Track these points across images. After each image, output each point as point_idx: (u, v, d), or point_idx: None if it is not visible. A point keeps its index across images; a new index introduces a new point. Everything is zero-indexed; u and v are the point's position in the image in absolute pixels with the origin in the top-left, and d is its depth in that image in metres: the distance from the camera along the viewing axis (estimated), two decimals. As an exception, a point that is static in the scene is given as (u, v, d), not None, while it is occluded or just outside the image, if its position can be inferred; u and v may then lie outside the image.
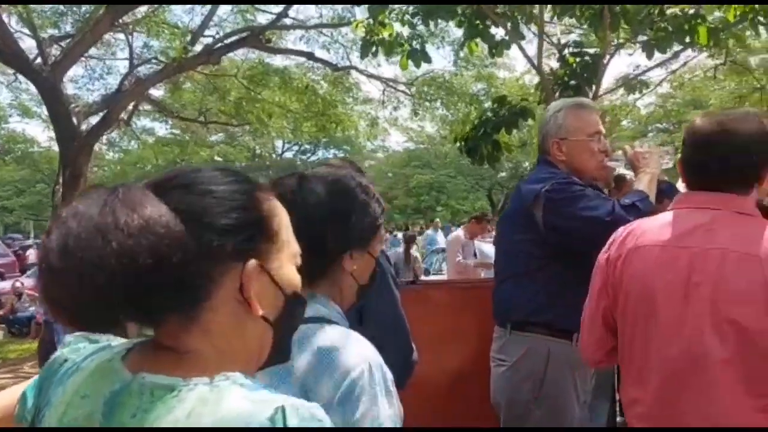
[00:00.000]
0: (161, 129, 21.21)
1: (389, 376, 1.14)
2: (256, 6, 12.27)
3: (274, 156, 23.89)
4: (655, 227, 1.60)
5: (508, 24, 5.81)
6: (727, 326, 1.42)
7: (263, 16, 12.70)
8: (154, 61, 12.75)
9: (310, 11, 13.28)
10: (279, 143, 23.74)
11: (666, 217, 1.61)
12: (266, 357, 0.85)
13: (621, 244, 1.65)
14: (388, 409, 1.10)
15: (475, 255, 7.53)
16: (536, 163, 2.47)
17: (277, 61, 14.58)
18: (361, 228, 1.27)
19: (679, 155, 1.74)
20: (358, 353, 1.12)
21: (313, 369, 1.10)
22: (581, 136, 2.29)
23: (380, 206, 1.33)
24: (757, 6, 5.45)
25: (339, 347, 1.12)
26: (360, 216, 1.27)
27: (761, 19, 5.58)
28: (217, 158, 22.54)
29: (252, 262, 0.77)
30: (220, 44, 11.76)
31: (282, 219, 0.85)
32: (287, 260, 0.84)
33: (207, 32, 12.63)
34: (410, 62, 6.42)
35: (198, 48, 11.84)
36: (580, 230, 2.05)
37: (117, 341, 0.87)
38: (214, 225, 0.75)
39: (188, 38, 11.63)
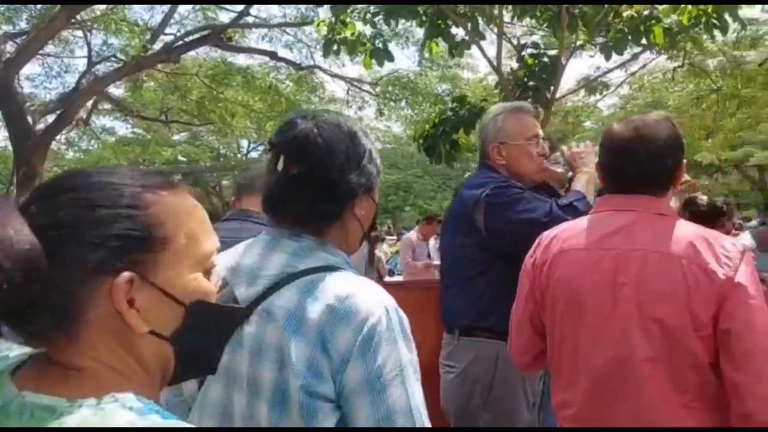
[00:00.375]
0: (122, 128, 20.79)
1: (405, 320, 1.12)
2: (218, 4, 12.10)
3: (239, 156, 23.58)
4: (579, 231, 1.63)
5: (468, 24, 5.83)
6: (652, 325, 1.45)
7: (225, 14, 12.55)
8: (113, 59, 12.47)
9: (272, 10, 13.18)
10: (244, 143, 23.45)
11: (588, 220, 1.65)
12: (174, 373, 0.79)
13: (546, 249, 1.67)
14: (408, 354, 1.09)
15: (429, 255, 7.52)
16: (477, 168, 2.48)
17: (240, 60, 14.42)
18: (370, 172, 1.25)
19: None
20: (374, 298, 1.09)
21: (329, 318, 1.06)
22: (520, 139, 2.30)
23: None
24: (709, 9, 5.57)
25: (353, 294, 1.08)
26: (369, 159, 1.25)
27: (715, 22, 5.70)
28: (180, 158, 22.17)
29: (124, 276, 0.70)
30: (180, 42, 11.55)
31: (180, 222, 0.76)
32: (189, 267, 0.77)
33: (168, 30, 12.41)
34: (373, 61, 6.40)
35: (159, 46, 11.62)
36: (519, 233, 2.04)
37: (16, 351, 0.80)
38: (78, 239, 0.69)
39: (148, 36, 11.41)
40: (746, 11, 7.30)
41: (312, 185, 1.18)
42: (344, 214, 1.22)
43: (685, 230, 1.52)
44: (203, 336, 0.80)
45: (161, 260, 0.74)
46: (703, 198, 4.47)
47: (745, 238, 4.80)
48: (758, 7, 11.19)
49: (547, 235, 1.71)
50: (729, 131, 14.81)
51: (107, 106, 15.21)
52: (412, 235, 7.96)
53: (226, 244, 1.97)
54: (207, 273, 0.80)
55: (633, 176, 1.57)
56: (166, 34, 12.26)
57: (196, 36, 11.70)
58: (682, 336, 1.43)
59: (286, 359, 1.06)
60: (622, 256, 1.51)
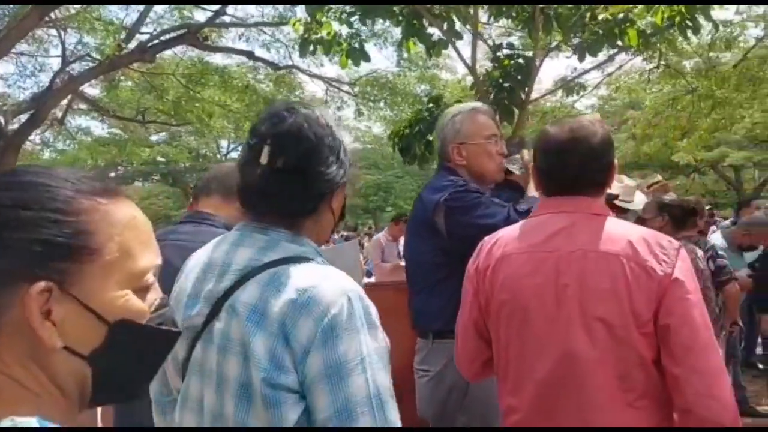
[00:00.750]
0: (98, 129, 20.54)
1: (372, 308, 1.11)
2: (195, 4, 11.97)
3: (218, 156, 23.37)
4: (520, 234, 1.64)
5: (444, 24, 5.81)
6: (595, 325, 1.46)
7: (201, 13, 12.43)
8: (88, 58, 12.29)
9: (249, 9, 13.01)
10: (223, 143, 23.26)
11: (529, 224, 1.66)
12: (92, 395, 0.73)
13: (488, 254, 1.67)
14: (372, 343, 1.07)
15: (399, 255, 7.47)
16: (437, 171, 2.46)
17: (217, 59, 14.29)
18: (346, 165, 1.25)
19: None
20: (336, 287, 1.08)
21: (290, 310, 1.06)
22: (478, 139, 2.31)
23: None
24: (683, 10, 5.61)
25: (315, 284, 1.08)
26: (344, 151, 1.25)
27: (688, 23, 5.74)
28: (158, 158, 21.95)
29: (39, 285, 0.65)
30: (155, 41, 11.40)
31: (113, 232, 0.71)
32: (119, 283, 0.71)
33: (144, 29, 12.26)
34: (350, 62, 6.36)
35: (135, 45, 11.46)
36: (478, 237, 2.01)
37: None
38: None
39: (123, 35, 11.25)
40: (720, 13, 7.39)
41: (298, 179, 1.18)
42: (321, 207, 1.22)
43: (623, 229, 1.55)
44: (127, 358, 0.74)
45: (87, 272, 0.69)
46: (671, 197, 4.50)
47: (715, 238, 4.82)
48: (732, 8, 11.36)
49: (488, 240, 1.71)
50: (704, 132, 14.96)
51: (83, 105, 15.00)
52: (381, 236, 7.92)
53: (180, 248, 1.93)
54: (141, 291, 0.74)
55: (570, 177, 1.58)
56: (141, 33, 12.14)
57: (171, 35, 11.56)
58: (626, 334, 1.44)
59: (249, 353, 1.06)
60: (564, 257, 1.52)
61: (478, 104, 2.49)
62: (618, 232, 1.53)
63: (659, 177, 5.41)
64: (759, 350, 5.67)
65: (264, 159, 1.17)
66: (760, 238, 4.64)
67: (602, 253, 1.49)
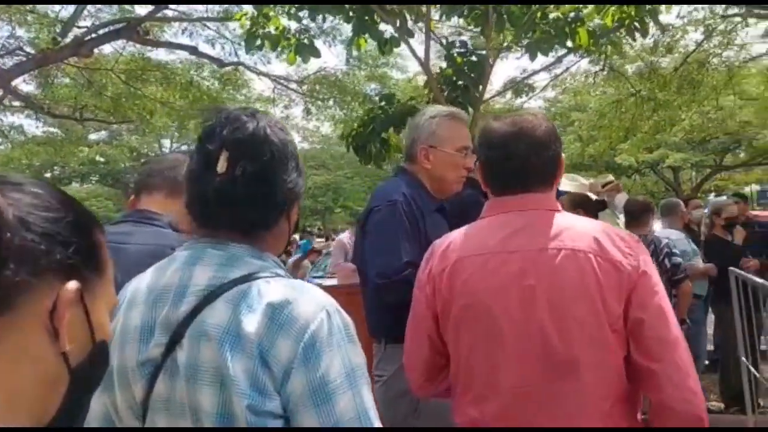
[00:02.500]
0: (33, 127, 19.62)
1: (349, 322, 1.07)
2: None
3: (161, 156, 22.70)
4: (474, 236, 1.58)
5: (397, 21, 5.71)
6: (569, 325, 1.42)
7: (142, 7, 11.95)
8: (20, 52, 11.66)
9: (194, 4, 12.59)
10: (166, 142, 22.55)
11: (482, 225, 1.60)
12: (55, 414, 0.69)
13: (442, 258, 1.58)
14: (355, 358, 1.03)
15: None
16: (394, 173, 2.42)
17: (160, 55, 13.83)
18: (303, 173, 1.19)
19: None
20: (314, 302, 1.03)
21: (267, 329, 0.99)
22: (450, 148, 2.27)
23: None
24: (632, 12, 5.68)
25: (291, 300, 1.02)
26: (298, 159, 1.18)
27: (636, 25, 5.82)
28: (98, 159, 21.17)
29: (73, 284, 0.66)
30: (93, 35, 10.90)
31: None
32: (107, 303, 0.74)
33: (81, 23, 11.71)
34: (299, 58, 6.18)
35: (71, 39, 10.93)
36: (366, 262, 2.12)
37: None
38: (38, 225, 0.65)
39: (58, 29, 10.72)
40: (662, 17, 7.53)
41: (260, 188, 1.10)
42: (281, 219, 1.16)
43: (583, 224, 1.52)
44: (95, 382, 0.74)
45: (97, 285, 0.72)
46: (623, 197, 4.57)
47: (671, 233, 4.90)
48: (674, 12, 11.66)
49: (439, 243, 1.64)
50: (646, 133, 15.39)
51: (16, 102, 14.24)
52: (345, 237, 7.82)
53: (114, 250, 1.72)
54: (110, 314, 0.76)
55: (518, 170, 1.54)
56: (78, 27, 11.58)
57: (110, 29, 11.07)
58: (599, 333, 1.40)
59: (227, 379, 0.98)
60: (527, 256, 1.46)
61: (457, 111, 2.42)
62: (579, 227, 1.49)
63: (611, 177, 5.47)
64: (709, 347, 5.77)
65: (221, 167, 1.08)
66: None
67: (569, 250, 1.44)
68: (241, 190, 1.08)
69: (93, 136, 20.87)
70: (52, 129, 18.72)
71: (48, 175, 21.14)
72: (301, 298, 1.02)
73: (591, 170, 18.00)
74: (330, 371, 0.98)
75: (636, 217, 4.13)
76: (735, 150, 19.89)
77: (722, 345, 5.28)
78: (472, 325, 1.50)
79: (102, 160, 21.15)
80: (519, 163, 1.54)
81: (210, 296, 1.04)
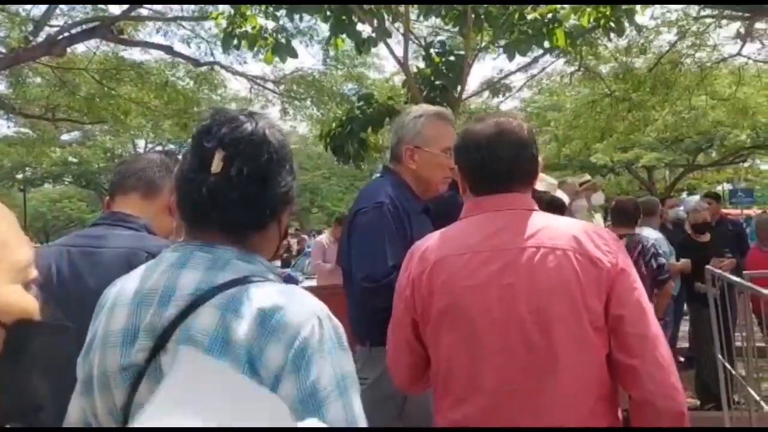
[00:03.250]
0: (3, 127, 19.22)
1: (341, 328, 1.04)
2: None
3: (136, 155, 22.36)
4: (455, 236, 1.57)
5: (374, 21, 5.69)
6: (550, 323, 1.40)
7: (116, 6, 11.75)
8: (-9, 51, 11.41)
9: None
10: (140, 142, 22.24)
11: (462, 225, 1.60)
12: None
13: (421, 259, 1.57)
14: (346, 365, 1.01)
15: (342, 258, 7.36)
16: (381, 172, 2.41)
17: (134, 55, 13.64)
18: (296, 176, 1.17)
19: None
20: (305, 308, 1.00)
21: (257, 335, 0.96)
22: (435, 149, 2.23)
23: None
24: (608, 12, 5.74)
25: (281, 306, 0.99)
26: (293, 163, 1.16)
27: (612, 25, 5.89)
28: (71, 159, 20.81)
29: None
30: (65, 34, 10.70)
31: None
32: (7, 277, 0.65)
33: (53, 22, 11.49)
34: (276, 58, 6.13)
35: (43, 38, 10.71)
36: (352, 263, 2.11)
37: None
38: None
39: (31, 27, 10.51)
40: (637, 17, 7.62)
41: (254, 189, 1.07)
42: (272, 222, 1.13)
43: (561, 223, 1.52)
44: (32, 365, 0.67)
45: None
46: (600, 196, 4.61)
47: (651, 232, 4.94)
48: (648, 13, 11.81)
49: (417, 246, 1.63)
50: (621, 134, 15.58)
51: (-15, 102, 13.94)
52: (323, 238, 7.77)
53: (89, 254, 1.68)
54: (26, 287, 0.68)
55: (502, 170, 1.54)
56: (50, 26, 11.36)
57: (84, 28, 10.89)
58: (580, 331, 1.40)
59: None
60: (507, 255, 1.45)
61: (443, 110, 2.38)
62: (558, 226, 1.49)
63: (588, 176, 5.53)
64: (684, 344, 5.85)
65: (216, 167, 1.05)
66: None
67: (549, 248, 1.43)
68: (235, 191, 1.06)
69: (65, 137, 20.52)
70: (23, 129, 18.37)
71: (20, 176, 20.74)
72: (292, 304, 1.00)
73: (567, 170, 18.18)
74: (321, 379, 0.96)
75: (629, 216, 4.16)
76: (707, 149, 20.22)
77: (697, 342, 5.36)
78: (451, 325, 1.49)
79: (75, 160, 20.79)
80: (505, 164, 1.54)
81: (197, 301, 1.01)
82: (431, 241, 1.60)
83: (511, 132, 1.56)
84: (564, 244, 1.43)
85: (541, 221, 1.50)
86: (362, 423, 0.99)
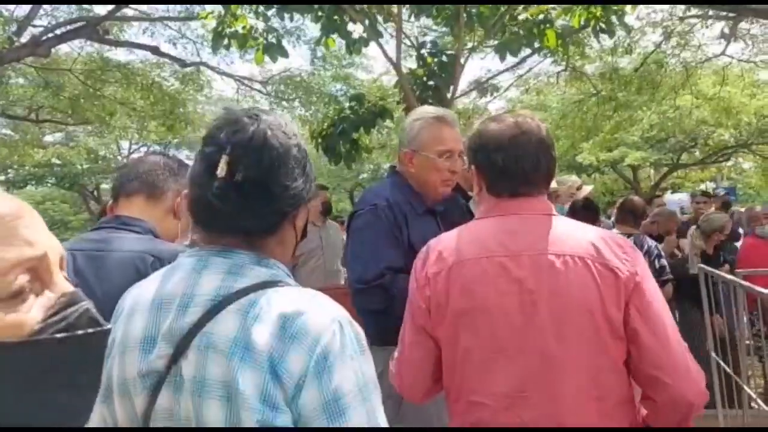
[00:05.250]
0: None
1: (361, 332, 1.04)
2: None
3: (119, 158, 22.12)
4: (473, 239, 1.54)
5: (366, 21, 5.67)
6: (569, 331, 1.40)
7: (102, 6, 11.62)
8: (-27, 51, 11.22)
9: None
10: (125, 144, 22.01)
11: (479, 227, 1.57)
12: None
13: (439, 259, 1.54)
14: (368, 370, 1.00)
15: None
16: (388, 173, 2.42)
17: (120, 55, 13.50)
18: (311, 178, 1.15)
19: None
20: (326, 314, 1.00)
21: (278, 341, 0.95)
22: (430, 152, 2.21)
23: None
24: (599, 13, 5.77)
25: (302, 311, 0.98)
26: (309, 163, 1.14)
27: (602, 26, 5.91)
28: (54, 161, 20.54)
29: None
30: (50, 35, 10.56)
31: None
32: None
33: (38, 22, 11.34)
34: (266, 58, 6.09)
35: (27, 38, 10.56)
36: (349, 268, 2.16)
37: None
38: None
39: (14, 28, 10.35)
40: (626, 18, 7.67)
41: (260, 194, 1.06)
42: (285, 225, 1.11)
43: (579, 229, 1.50)
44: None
45: None
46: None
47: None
48: (634, 14, 11.89)
49: (434, 244, 1.59)
50: (607, 133, 15.68)
51: (-33, 103, 13.74)
52: None
53: (92, 258, 1.65)
54: (12, 299, 0.62)
55: (524, 172, 1.52)
56: (35, 26, 11.21)
57: (69, 28, 10.75)
58: (599, 338, 1.39)
59: (235, 393, 0.94)
60: (528, 262, 1.44)
61: (445, 112, 2.34)
62: (576, 232, 1.48)
63: (574, 177, 5.60)
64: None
65: (221, 171, 1.03)
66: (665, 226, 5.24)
67: (569, 256, 1.42)
68: (240, 196, 1.04)
69: (49, 138, 20.24)
70: (5, 130, 18.12)
71: (2, 177, 20.45)
72: (313, 309, 0.99)
73: (553, 169, 18.23)
74: (343, 385, 0.95)
75: (637, 216, 4.16)
76: (691, 149, 20.39)
77: (689, 342, 5.40)
78: (469, 329, 1.47)
79: (58, 162, 20.51)
80: (528, 164, 1.52)
81: (217, 306, 1.00)
82: (448, 240, 1.57)
83: (531, 132, 1.53)
84: (584, 252, 1.42)
85: (561, 227, 1.49)
86: (384, 426, 1.00)
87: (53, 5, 11.42)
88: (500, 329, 1.43)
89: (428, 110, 2.36)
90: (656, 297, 1.43)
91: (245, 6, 5.87)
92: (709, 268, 3.90)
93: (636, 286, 1.40)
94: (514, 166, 1.52)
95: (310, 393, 0.94)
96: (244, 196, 1.04)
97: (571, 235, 1.46)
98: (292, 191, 1.08)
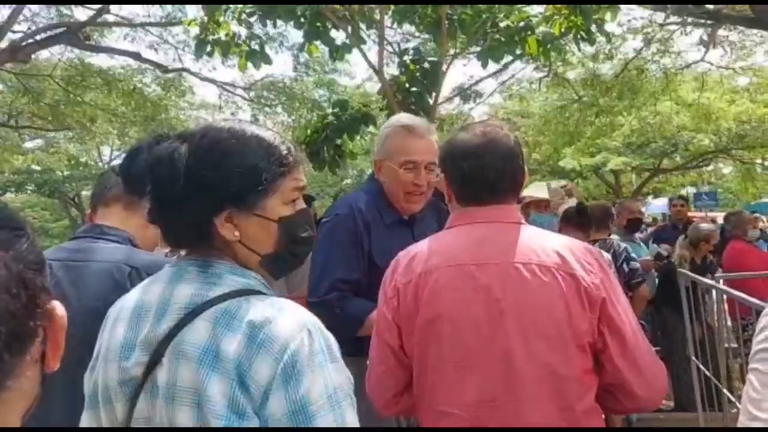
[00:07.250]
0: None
1: (332, 340, 1.03)
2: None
3: (100, 164, 21.88)
4: (442, 248, 1.53)
5: (349, 28, 5.68)
6: (535, 341, 1.39)
7: (82, 11, 11.55)
8: (-50, 57, 11.07)
9: (135, 8, 12.24)
10: (106, 150, 21.80)
11: (447, 236, 1.56)
12: None
13: (407, 269, 1.53)
14: (337, 378, 0.99)
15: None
16: (368, 179, 2.38)
17: (101, 61, 13.39)
18: (236, 183, 1.04)
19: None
20: (294, 321, 0.99)
21: (246, 348, 0.95)
22: (393, 162, 2.11)
23: (274, 153, 1.08)
24: (579, 22, 5.83)
25: (271, 319, 0.97)
26: (231, 167, 1.04)
27: (583, 34, 5.98)
28: (33, 167, 20.30)
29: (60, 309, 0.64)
30: (29, 40, 10.45)
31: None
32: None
33: (17, 27, 11.21)
34: (249, 64, 6.09)
35: (6, 44, 10.43)
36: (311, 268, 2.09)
37: None
38: None
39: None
40: (606, 25, 7.76)
41: (177, 210, 1.06)
42: (216, 228, 1.05)
43: (546, 239, 1.50)
44: None
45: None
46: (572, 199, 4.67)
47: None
48: (614, 23, 12.05)
49: (403, 255, 1.58)
50: (588, 138, 15.84)
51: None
52: None
53: (69, 268, 1.62)
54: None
55: (490, 181, 1.52)
56: (14, 32, 11.09)
57: (49, 34, 10.65)
58: (565, 347, 1.39)
59: (203, 401, 0.95)
60: (495, 270, 1.43)
61: (415, 122, 2.20)
62: (543, 242, 1.48)
63: (564, 182, 5.64)
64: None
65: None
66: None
67: (535, 264, 1.42)
68: (159, 216, 1.08)
69: (29, 144, 20.02)
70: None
71: (-20, 183, 20.17)
72: (281, 317, 0.98)
73: (536, 174, 18.38)
74: (311, 392, 0.94)
75: (600, 221, 4.20)
76: (672, 153, 20.65)
77: (670, 346, 5.43)
78: (438, 339, 1.46)
79: (38, 168, 20.27)
80: (492, 174, 1.52)
81: (190, 315, 1.01)
82: (417, 250, 1.56)
83: (498, 142, 1.53)
84: (551, 262, 1.42)
85: (528, 236, 1.49)
86: None
87: (33, 11, 11.30)
88: (467, 338, 1.43)
89: (401, 118, 2.27)
90: (623, 305, 1.44)
91: (228, 13, 5.87)
92: (691, 274, 3.94)
93: (602, 295, 1.41)
94: (479, 173, 1.52)
95: (278, 400, 0.93)
96: (160, 216, 1.08)
97: (538, 243, 1.46)
98: (195, 202, 1.04)
